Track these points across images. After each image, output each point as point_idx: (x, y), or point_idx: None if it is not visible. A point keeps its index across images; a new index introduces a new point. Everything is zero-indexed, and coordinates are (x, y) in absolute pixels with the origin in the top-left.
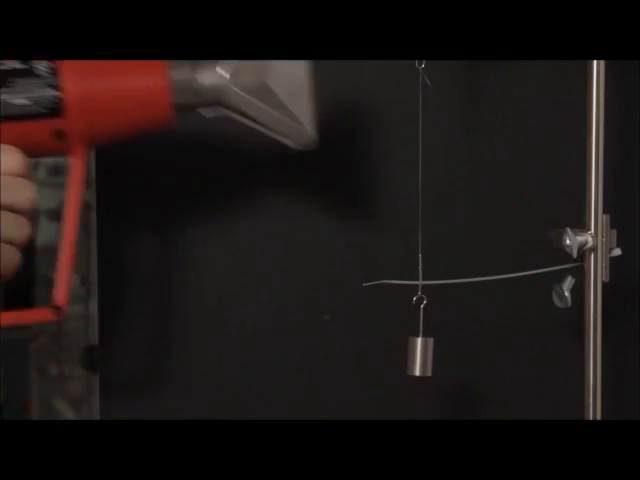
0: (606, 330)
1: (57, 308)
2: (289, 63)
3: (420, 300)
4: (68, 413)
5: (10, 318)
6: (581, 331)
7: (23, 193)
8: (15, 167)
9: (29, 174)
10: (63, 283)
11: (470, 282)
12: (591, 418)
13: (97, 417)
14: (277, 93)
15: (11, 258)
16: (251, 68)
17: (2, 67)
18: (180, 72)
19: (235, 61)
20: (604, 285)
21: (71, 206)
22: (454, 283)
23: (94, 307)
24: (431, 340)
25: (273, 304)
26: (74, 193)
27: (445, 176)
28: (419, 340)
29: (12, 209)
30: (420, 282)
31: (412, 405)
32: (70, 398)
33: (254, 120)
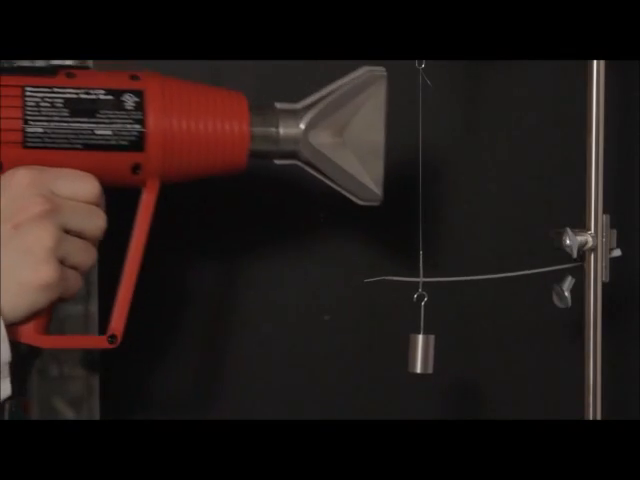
0: (606, 330)
1: (113, 337)
2: (367, 123)
3: (421, 297)
4: (68, 413)
5: (63, 342)
6: (581, 331)
7: (95, 221)
8: (90, 195)
9: (102, 203)
10: (121, 313)
11: (470, 282)
12: (591, 418)
13: (97, 417)
14: (351, 151)
15: (74, 283)
16: (330, 123)
17: (91, 97)
18: (261, 120)
19: (314, 112)
20: (604, 285)
21: (137, 240)
22: (454, 281)
23: (94, 307)
24: (432, 337)
25: (273, 304)
26: (142, 227)
27: (445, 176)
28: (420, 337)
29: (82, 236)
30: (421, 279)
31: (412, 405)
32: (70, 398)
33: (325, 175)
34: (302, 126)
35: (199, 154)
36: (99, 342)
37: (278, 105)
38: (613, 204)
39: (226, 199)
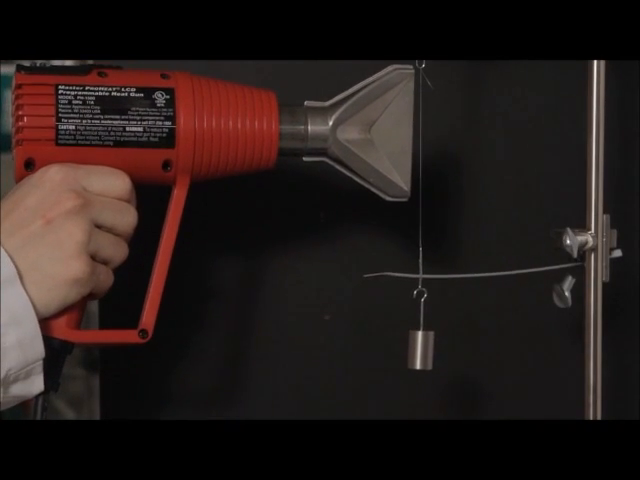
0: (606, 330)
1: (144, 332)
2: (395, 120)
3: (421, 294)
4: (68, 413)
5: (94, 336)
6: (581, 331)
7: (126, 217)
8: (122, 191)
9: (133, 199)
10: (152, 309)
11: (470, 282)
12: (591, 418)
13: (97, 417)
14: (380, 148)
15: (106, 279)
16: (357, 120)
17: (123, 94)
18: (290, 117)
19: (342, 110)
20: (604, 285)
21: (168, 235)
22: (455, 279)
23: (94, 307)
24: (432, 334)
25: (273, 304)
26: (172, 223)
27: (445, 176)
28: (420, 334)
29: (113, 231)
30: (420, 275)
31: (412, 405)
32: (70, 398)
33: (353, 172)
34: (330, 123)
35: (229, 151)
36: (130, 337)
37: (307, 103)
38: (613, 204)
39: (226, 199)
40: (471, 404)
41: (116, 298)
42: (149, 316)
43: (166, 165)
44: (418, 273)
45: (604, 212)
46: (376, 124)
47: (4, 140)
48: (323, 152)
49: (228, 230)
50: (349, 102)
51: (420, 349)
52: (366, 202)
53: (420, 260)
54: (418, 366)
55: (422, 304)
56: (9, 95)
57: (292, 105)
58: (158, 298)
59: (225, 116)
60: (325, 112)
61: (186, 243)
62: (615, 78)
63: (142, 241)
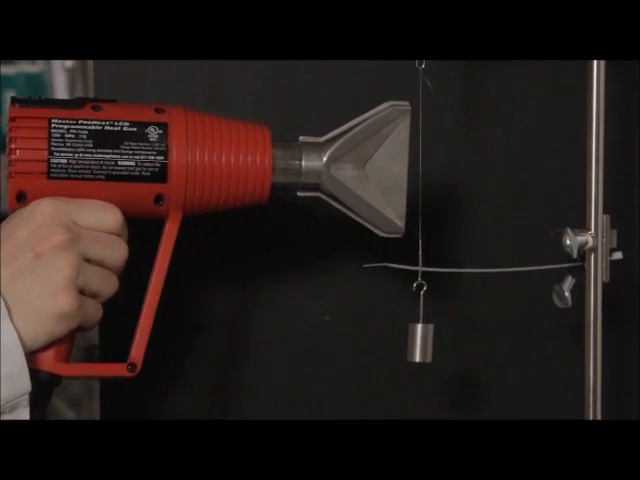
0: (606, 330)
1: (133, 365)
2: (391, 156)
3: (420, 286)
4: (68, 413)
5: (84, 370)
6: (581, 331)
7: (116, 251)
8: (112, 225)
9: (124, 233)
10: (141, 342)
11: (470, 282)
12: (591, 418)
13: (97, 417)
14: (374, 184)
15: (94, 312)
16: (352, 156)
17: (115, 129)
18: (283, 153)
19: (336, 146)
20: (604, 285)
21: (159, 269)
22: (454, 272)
23: (95, 338)
24: (431, 326)
25: (273, 304)
26: (164, 257)
27: (445, 176)
28: (419, 326)
29: (103, 265)
30: (420, 268)
31: (412, 404)
32: (70, 398)
33: (347, 207)
34: (324, 159)
35: (221, 186)
36: (118, 370)
37: (301, 138)
38: (613, 204)
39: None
40: (471, 404)
41: (114, 329)
42: (138, 350)
43: (158, 199)
44: (417, 274)
45: (604, 212)
46: (371, 160)
47: (4, 140)
48: (317, 187)
49: (228, 230)
50: (344, 138)
51: (419, 342)
52: None
53: (420, 252)
54: (417, 359)
55: (422, 296)
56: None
57: (286, 140)
58: (148, 332)
59: (218, 151)
60: (320, 148)
61: (187, 244)
62: (615, 78)
63: (138, 271)
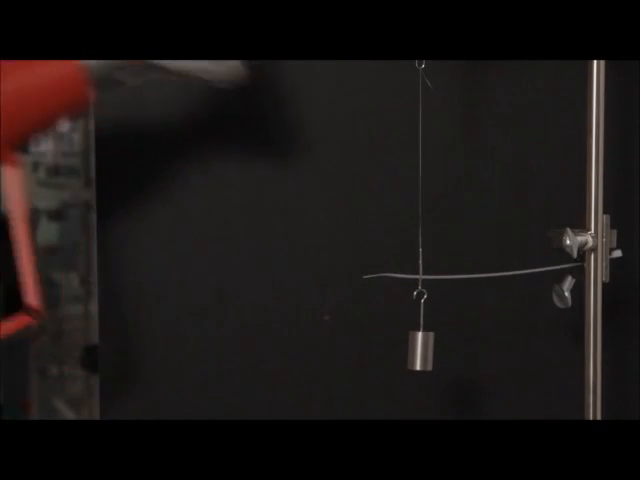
0: (606, 330)
1: (31, 310)
2: None
3: (421, 294)
4: (68, 413)
5: None
6: (581, 331)
7: None
8: None
9: None
10: (31, 284)
11: (470, 282)
12: (591, 418)
13: (97, 417)
14: None
15: None
16: None
17: None
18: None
19: None
20: (604, 285)
21: (19, 212)
22: (454, 279)
23: (94, 307)
24: (432, 334)
25: (273, 304)
26: (17, 197)
27: (445, 176)
28: (420, 334)
29: None
30: (420, 276)
31: (412, 405)
32: (70, 398)
33: (176, 72)
34: None
35: (38, 105)
36: (21, 321)
37: None
38: (613, 204)
39: (228, 199)
40: (471, 404)
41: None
42: (32, 295)
43: None
44: (417, 274)
45: (604, 212)
46: None
47: None
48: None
49: (228, 230)
50: None
51: (420, 350)
52: (366, 201)
53: (420, 261)
54: (418, 367)
55: (422, 305)
56: None
57: None
58: (33, 274)
59: (19, 71)
60: None
61: (188, 244)
62: (615, 78)
63: (137, 272)
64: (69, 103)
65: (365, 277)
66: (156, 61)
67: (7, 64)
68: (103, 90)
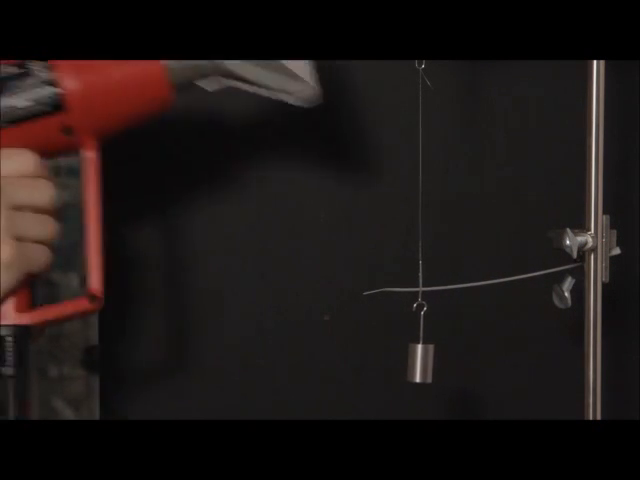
0: (606, 330)
1: (93, 296)
2: None
3: (420, 307)
4: (68, 413)
5: (46, 313)
6: (581, 331)
7: (42, 192)
8: (30, 168)
9: (46, 174)
10: (96, 272)
11: (470, 281)
12: (591, 418)
13: (97, 417)
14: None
15: (40, 257)
16: None
17: (2, 75)
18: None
19: None
20: (604, 285)
21: (92, 198)
22: (454, 289)
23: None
24: (431, 347)
25: (273, 304)
26: (93, 185)
27: (445, 176)
28: (419, 347)
29: (34, 209)
30: (420, 289)
31: (412, 405)
32: (70, 398)
33: (253, 83)
34: None
35: (122, 99)
36: (81, 305)
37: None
38: (613, 204)
39: (227, 199)
40: (471, 404)
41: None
42: (95, 281)
43: (66, 131)
44: (417, 278)
45: (604, 212)
46: None
47: None
48: (216, 72)
49: (228, 230)
50: None
51: (420, 362)
52: (366, 201)
53: (420, 273)
54: (418, 379)
55: (422, 317)
56: None
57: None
58: (99, 261)
59: (108, 66)
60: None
61: (187, 245)
62: (615, 78)
63: (135, 272)
64: (152, 102)
65: (365, 294)
66: (237, 72)
67: (99, 62)
68: (181, 94)
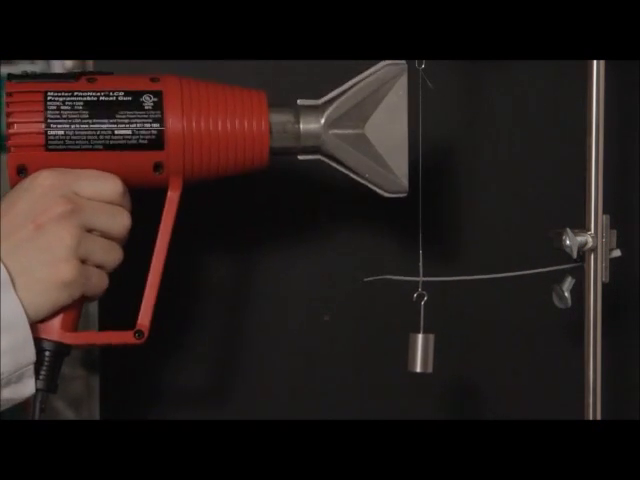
0: (606, 330)
1: (140, 332)
2: (390, 115)
3: (421, 296)
4: (68, 413)
5: (90, 338)
6: (581, 331)
7: (118, 221)
8: (113, 194)
9: (126, 203)
10: (147, 309)
11: (470, 282)
12: (591, 418)
13: (97, 417)
14: (375, 144)
15: (100, 282)
16: (351, 117)
17: (111, 98)
18: (281, 116)
19: (334, 106)
20: (604, 285)
21: (162, 236)
22: (454, 280)
23: (94, 307)
24: (432, 337)
25: (273, 304)
26: (166, 224)
27: (445, 176)
28: (420, 336)
29: (106, 235)
30: (421, 279)
31: (412, 405)
32: (70, 398)
33: (349, 168)
34: (323, 121)
35: (219, 151)
36: (126, 338)
37: (299, 101)
38: (613, 204)
39: (225, 199)
40: (471, 404)
41: (116, 299)
42: (145, 317)
43: (157, 167)
44: (418, 275)
45: (604, 212)
46: (370, 119)
47: (3, 140)
48: (317, 150)
49: (227, 231)
50: (341, 99)
51: (420, 352)
52: (366, 201)
53: (420, 263)
54: (418, 369)
55: (422, 307)
56: None
57: (283, 103)
58: (153, 299)
59: (214, 116)
60: (318, 110)
61: (184, 245)
62: (615, 78)
63: (141, 242)
64: (247, 160)
65: (365, 280)
66: (340, 156)
67: (207, 107)
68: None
